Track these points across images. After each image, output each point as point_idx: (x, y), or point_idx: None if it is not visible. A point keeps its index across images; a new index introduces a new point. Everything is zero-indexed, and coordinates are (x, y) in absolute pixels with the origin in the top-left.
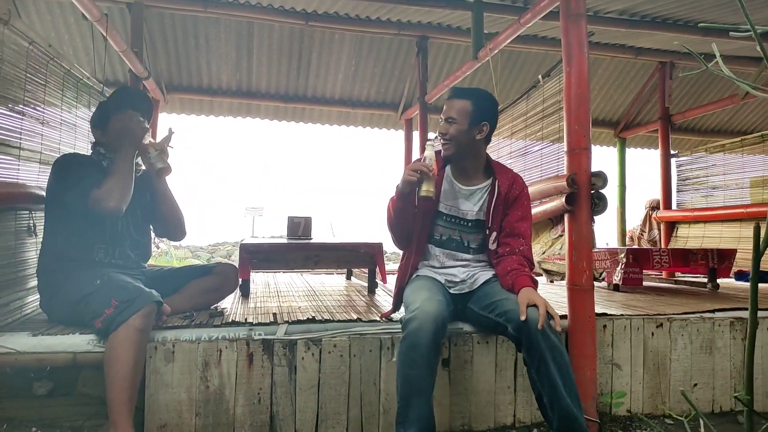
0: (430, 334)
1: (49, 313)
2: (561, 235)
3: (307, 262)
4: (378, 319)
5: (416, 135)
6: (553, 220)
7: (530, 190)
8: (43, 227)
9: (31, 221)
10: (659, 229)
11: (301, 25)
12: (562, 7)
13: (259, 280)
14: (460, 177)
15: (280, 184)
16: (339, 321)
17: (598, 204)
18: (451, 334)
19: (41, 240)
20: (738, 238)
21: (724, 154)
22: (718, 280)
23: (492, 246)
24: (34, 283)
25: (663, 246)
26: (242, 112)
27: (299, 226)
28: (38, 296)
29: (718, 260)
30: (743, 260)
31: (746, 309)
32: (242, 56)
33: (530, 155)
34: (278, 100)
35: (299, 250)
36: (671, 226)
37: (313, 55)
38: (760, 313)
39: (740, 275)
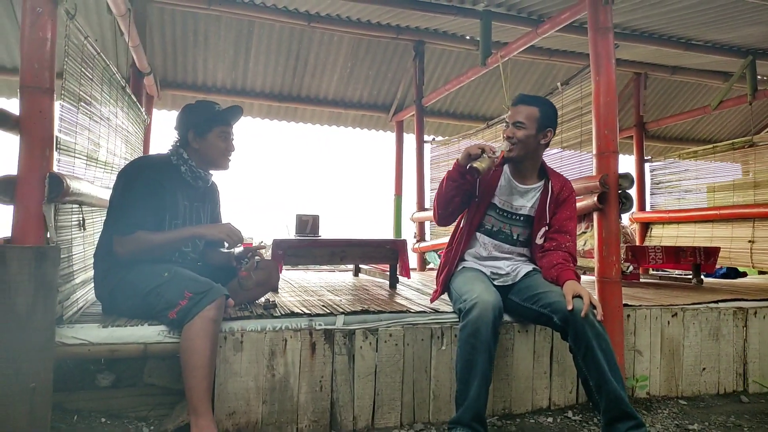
0: (490, 321)
1: (110, 304)
2: (584, 232)
3: (333, 257)
4: (426, 310)
5: (409, 137)
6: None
7: None
8: (105, 220)
9: (81, 215)
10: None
11: (303, 26)
12: (591, 21)
13: None
14: (517, 176)
15: (263, 183)
16: (391, 312)
17: (625, 203)
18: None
19: (95, 234)
20: (711, 237)
21: (696, 160)
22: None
23: (539, 241)
24: (83, 276)
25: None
26: None
27: (307, 224)
28: (86, 290)
29: (705, 257)
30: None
31: (746, 299)
32: (240, 54)
33: (547, 158)
34: (272, 99)
35: (327, 246)
36: (645, 226)
37: (311, 56)
38: (752, 303)
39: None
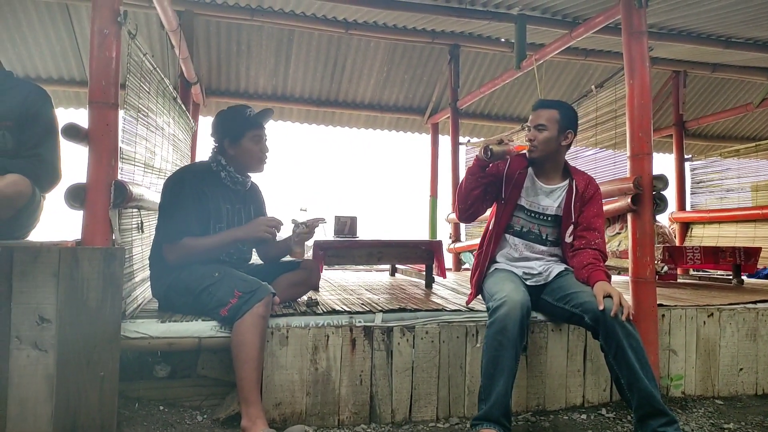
0: (518, 320)
1: (166, 301)
2: (618, 233)
3: (370, 258)
4: (462, 308)
5: (444, 139)
6: (609, 219)
7: None
8: (156, 225)
9: (140, 219)
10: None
11: (341, 33)
12: (625, 24)
13: None
14: (541, 177)
15: (302, 185)
16: (427, 310)
17: (660, 204)
18: (528, 323)
19: (151, 236)
20: (753, 237)
21: (738, 159)
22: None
23: (568, 239)
24: (141, 275)
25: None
26: (275, 116)
27: (346, 225)
28: (143, 288)
29: (745, 257)
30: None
31: None
32: (280, 62)
33: (581, 159)
34: (311, 104)
35: (365, 247)
36: (686, 226)
37: (348, 61)
38: None
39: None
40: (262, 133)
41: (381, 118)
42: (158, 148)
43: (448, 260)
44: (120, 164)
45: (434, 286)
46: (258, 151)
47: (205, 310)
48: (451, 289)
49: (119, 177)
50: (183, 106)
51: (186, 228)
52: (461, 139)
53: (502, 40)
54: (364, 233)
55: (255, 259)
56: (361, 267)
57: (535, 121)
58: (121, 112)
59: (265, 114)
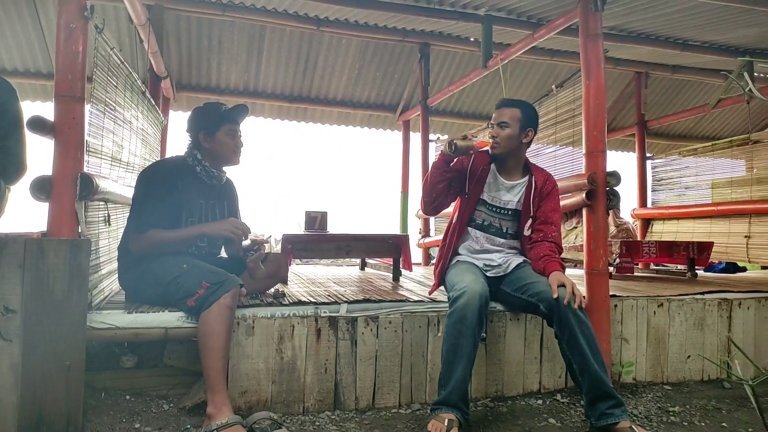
0: (476, 309)
1: (134, 293)
2: (575, 227)
3: (339, 251)
4: (424, 299)
5: (415, 136)
6: (567, 214)
7: None
8: (128, 217)
9: (107, 212)
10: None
11: (313, 30)
12: (582, 27)
13: None
14: (502, 173)
15: (275, 181)
16: (391, 301)
17: (612, 199)
18: (487, 312)
19: (119, 228)
20: (709, 233)
21: (697, 157)
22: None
23: (526, 232)
24: (108, 268)
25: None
26: None
27: (316, 220)
28: (110, 280)
29: (698, 252)
30: (714, 253)
31: (731, 291)
32: (252, 58)
33: (542, 156)
34: (283, 99)
35: (333, 241)
36: (647, 222)
37: (320, 58)
38: (739, 295)
39: (710, 266)
40: (236, 129)
41: (353, 115)
42: (126, 141)
43: (418, 255)
44: (86, 157)
45: (401, 279)
46: (233, 145)
47: (173, 301)
48: (418, 281)
49: (85, 170)
50: (152, 100)
51: (154, 220)
52: (431, 136)
53: (471, 39)
54: (335, 228)
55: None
56: (331, 262)
57: (498, 118)
58: (87, 106)
59: (240, 110)
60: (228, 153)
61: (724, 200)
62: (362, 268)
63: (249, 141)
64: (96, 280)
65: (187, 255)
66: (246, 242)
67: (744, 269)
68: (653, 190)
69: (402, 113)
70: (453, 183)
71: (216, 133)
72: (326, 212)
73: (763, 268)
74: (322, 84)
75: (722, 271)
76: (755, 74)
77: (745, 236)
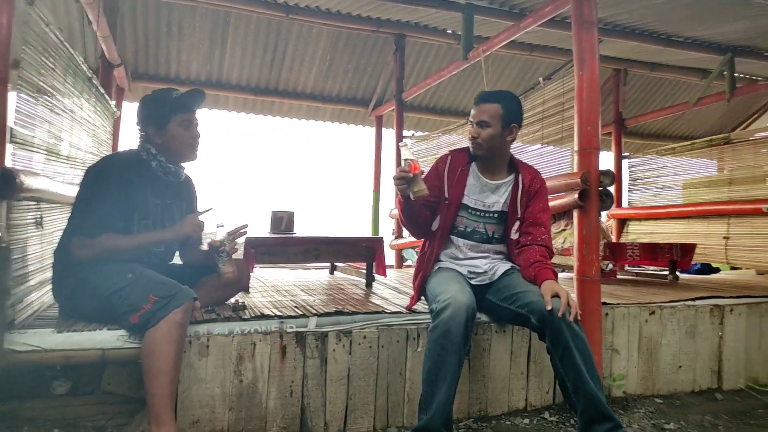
0: (462, 323)
1: (69, 306)
2: (563, 230)
3: (307, 255)
4: (402, 310)
5: (389, 132)
6: (555, 215)
7: None
8: (69, 218)
9: (39, 213)
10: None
11: (281, 17)
12: (575, 14)
13: None
14: (485, 172)
15: (241, 178)
16: (366, 313)
17: (606, 200)
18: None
19: (54, 232)
20: (687, 234)
21: (674, 157)
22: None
23: (514, 236)
24: (40, 278)
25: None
26: (209, 103)
27: (282, 221)
28: (42, 292)
29: (681, 254)
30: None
31: (722, 297)
32: (215, 46)
33: (527, 153)
34: (249, 92)
35: (301, 244)
36: (622, 223)
37: (289, 48)
38: (728, 300)
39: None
40: (191, 118)
41: (323, 109)
42: (66, 133)
43: (390, 257)
44: (12, 149)
45: (375, 285)
46: (188, 137)
47: (114, 316)
48: (393, 288)
49: (10, 164)
50: (101, 88)
51: (106, 223)
52: (405, 133)
53: (449, 31)
54: (302, 229)
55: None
56: (300, 265)
57: (478, 117)
58: (16, 91)
59: (194, 96)
60: (183, 147)
61: (697, 200)
62: (332, 272)
63: (212, 136)
64: (22, 293)
65: (134, 263)
66: (221, 232)
67: (718, 270)
68: (629, 190)
69: (375, 108)
70: (430, 201)
71: (167, 126)
72: (293, 212)
73: (733, 268)
74: (290, 76)
75: (698, 272)
76: (735, 74)
77: (724, 237)
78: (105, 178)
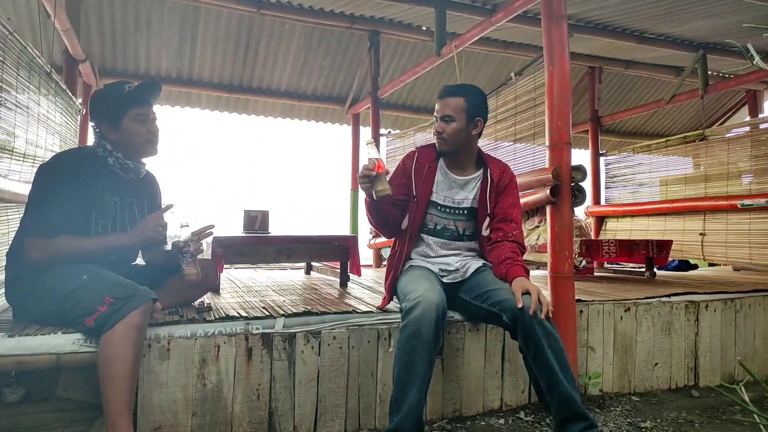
0: (433, 322)
1: (22, 309)
2: (537, 227)
3: (279, 255)
4: (373, 310)
5: (366, 130)
6: (529, 212)
7: None
8: (21, 217)
9: None
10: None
11: (252, 13)
12: (544, 8)
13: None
14: (454, 168)
15: (205, 182)
16: (336, 313)
17: (578, 196)
18: (444, 324)
19: (10, 232)
20: (664, 230)
21: (650, 154)
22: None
23: (485, 232)
24: None
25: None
26: (181, 101)
27: (256, 220)
28: None
29: (657, 250)
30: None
31: (698, 293)
32: (185, 42)
33: (501, 149)
34: (221, 89)
35: (273, 243)
36: (600, 220)
37: (261, 45)
38: (703, 297)
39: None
40: (147, 112)
41: (299, 107)
42: (21, 129)
43: (369, 256)
44: None
45: (350, 285)
46: (145, 132)
47: (69, 320)
48: (368, 287)
49: None
50: (62, 84)
51: (62, 223)
52: (382, 131)
53: (424, 28)
54: (279, 230)
55: None
56: (277, 265)
57: (442, 111)
58: None
59: (149, 88)
60: (140, 143)
61: (674, 197)
62: (307, 272)
63: (187, 135)
64: None
65: (90, 264)
66: (185, 233)
67: (696, 266)
68: (606, 188)
69: (351, 106)
70: (399, 199)
71: (121, 122)
72: (267, 212)
73: (711, 265)
74: (264, 73)
75: (675, 269)
76: (708, 72)
77: (700, 233)
78: (57, 176)
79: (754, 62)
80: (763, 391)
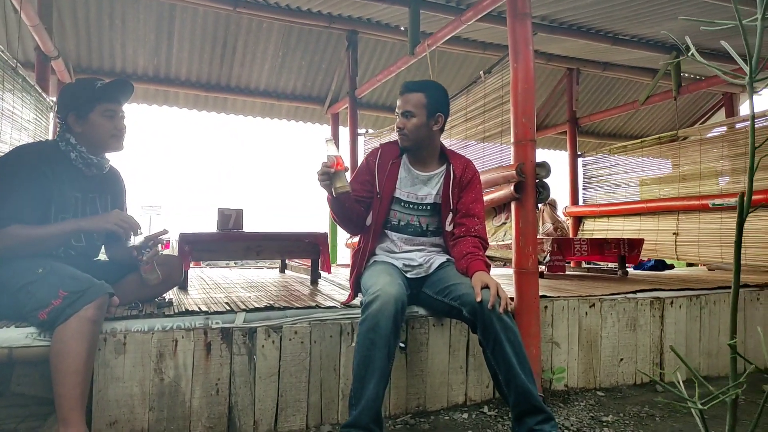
0: (391, 316)
1: None
2: (504, 223)
3: (248, 252)
4: (336, 305)
5: (346, 130)
6: (496, 209)
7: None
8: None
9: None
10: (558, 224)
11: (229, 11)
12: (509, 6)
13: (191, 274)
14: (417, 164)
15: (183, 181)
16: (298, 308)
17: (542, 192)
18: (408, 318)
19: None
20: (639, 230)
21: (627, 155)
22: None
23: (448, 228)
24: None
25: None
26: (158, 100)
27: (230, 218)
28: None
29: (629, 249)
30: (644, 250)
31: (663, 289)
32: (162, 40)
33: (471, 147)
34: (199, 88)
35: (241, 240)
36: (578, 220)
37: (239, 44)
38: (668, 293)
39: (639, 264)
40: (116, 109)
41: (278, 107)
42: None
43: (346, 256)
44: None
45: (320, 282)
46: (111, 127)
47: (23, 313)
48: (338, 284)
49: None
50: (30, 80)
51: (15, 214)
52: (360, 130)
53: (402, 28)
54: (254, 228)
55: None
56: (251, 263)
57: (403, 107)
58: None
59: (120, 86)
60: (105, 137)
61: (652, 197)
62: (282, 271)
63: (164, 134)
64: None
65: (47, 257)
66: (139, 239)
67: (672, 266)
68: (584, 188)
69: (330, 105)
70: (363, 196)
71: (89, 114)
72: (242, 210)
73: (689, 265)
74: (242, 72)
75: (651, 268)
76: (682, 73)
77: (674, 233)
78: (14, 167)
79: (689, 54)
80: (719, 385)
